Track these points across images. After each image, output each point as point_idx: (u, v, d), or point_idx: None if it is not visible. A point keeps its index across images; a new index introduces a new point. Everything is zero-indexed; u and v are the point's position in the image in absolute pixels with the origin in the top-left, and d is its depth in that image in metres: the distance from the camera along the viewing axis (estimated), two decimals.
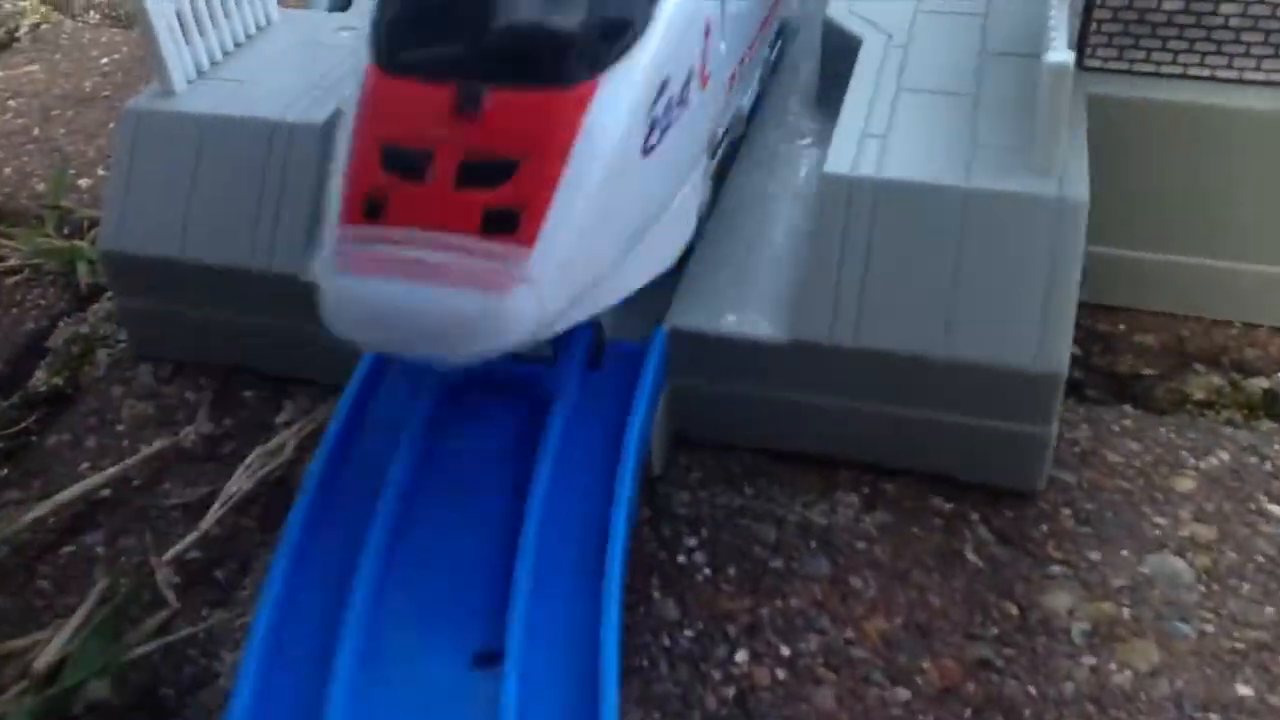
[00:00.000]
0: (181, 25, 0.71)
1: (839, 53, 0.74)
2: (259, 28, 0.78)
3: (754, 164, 0.73)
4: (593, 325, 0.62)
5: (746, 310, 0.62)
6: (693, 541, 0.60)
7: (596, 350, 0.62)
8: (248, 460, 0.65)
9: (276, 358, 0.71)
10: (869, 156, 0.60)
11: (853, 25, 0.73)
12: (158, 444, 0.67)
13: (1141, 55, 0.66)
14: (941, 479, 0.62)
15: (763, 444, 0.64)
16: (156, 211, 0.69)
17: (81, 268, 0.82)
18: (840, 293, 0.59)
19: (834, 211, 0.59)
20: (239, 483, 0.64)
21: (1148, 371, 0.70)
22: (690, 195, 0.57)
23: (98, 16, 1.24)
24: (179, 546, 0.61)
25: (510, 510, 0.54)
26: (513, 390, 0.60)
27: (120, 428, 0.69)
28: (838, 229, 0.59)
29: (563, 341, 0.60)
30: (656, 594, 0.58)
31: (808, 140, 0.76)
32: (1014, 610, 0.56)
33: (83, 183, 0.94)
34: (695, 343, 0.61)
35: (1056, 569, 0.58)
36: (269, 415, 0.70)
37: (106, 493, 0.64)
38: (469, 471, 0.57)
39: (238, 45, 0.76)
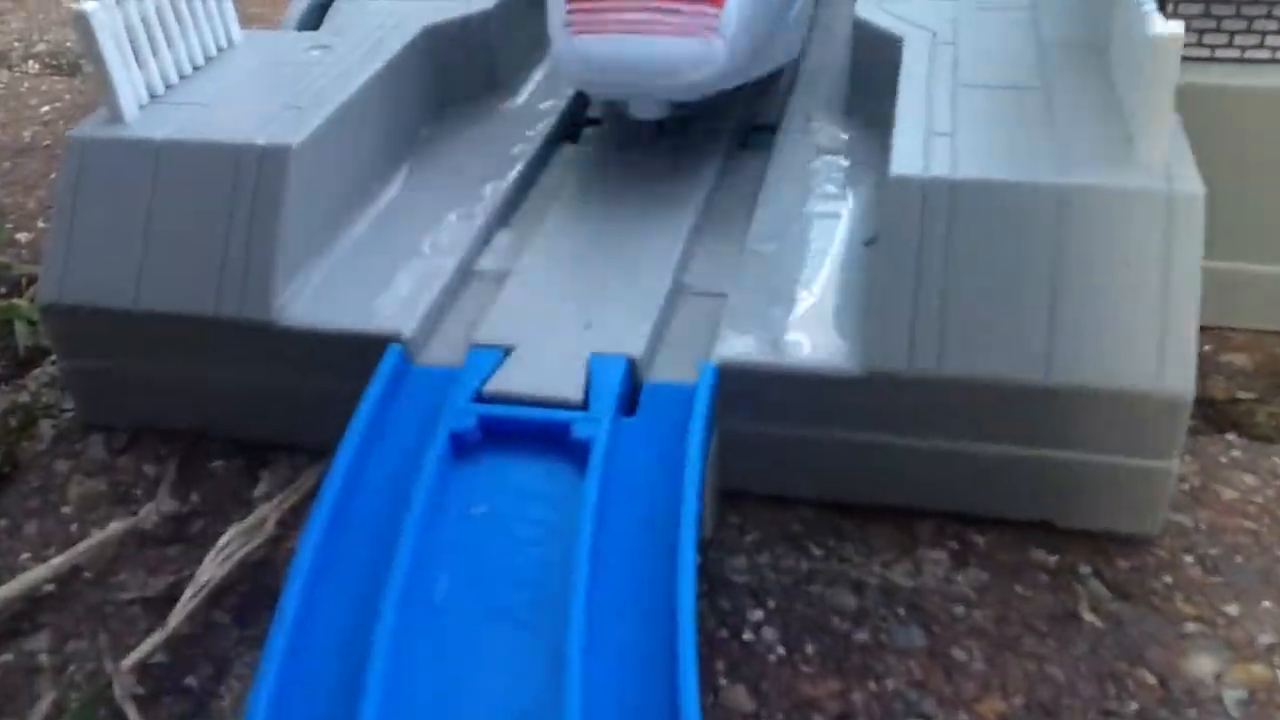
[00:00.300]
0: (132, 44, 0.62)
1: (872, 56, 0.67)
2: (219, 49, 0.69)
3: (787, 182, 0.65)
4: (626, 362, 0.53)
5: (807, 339, 0.53)
6: (758, 615, 0.51)
7: (633, 391, 0.53)
8: (221, 542, 0.55)
9: (250, 421, 0.61)
10: (940, 156, 0.52)
11: (889, 24, 0.66)
12: (112, 527, 0.57)
13: (1224, 39, 0.59)
14: (1039, 527, 0.54)
15: (828, 495, 0.55)
16: (106, 256, 0.60)
17: (20, 329, 0.72)
18: (919, 314, 0.50)
19: (905, 219, 0.51)
20: (211, 569, 0.54)
21: (1244, 395, 0.62)
22: (805, 7, 0.74)
23: (38, 66, 1.15)
24: (141, 650, 0.50)
25: (547, 585, 0.45)
26: (538, 441, 0.50)
27: (67, 509, 0.59)
28: (911, 239, 0.51)
29: (593, 383, 0.52)
30: (724, 681, 0.48)
31: (841, 153, 0.68)
32: (1151, 679, 0.47)
33: (21, 237, 0.84)
34: (749, 378, 0.52)
35: (1191, 627, 0.49)
36: (244, 488, 0.60)
37: (51, 587, 0.55)
38: (493, 541, 0.47)
39: (196, 68, 0.67)
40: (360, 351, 0.55)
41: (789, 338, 0.53)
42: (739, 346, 0.53)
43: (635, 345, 0.54)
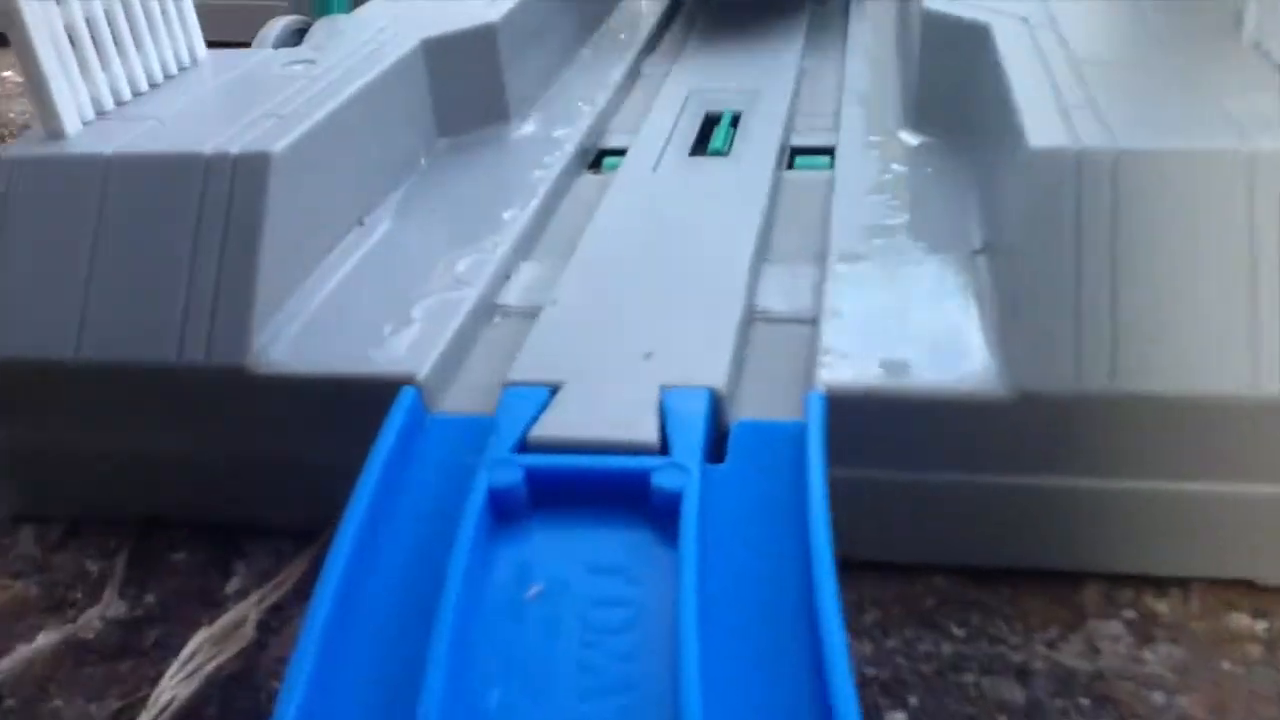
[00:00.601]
0: (75, 50, 0.51)
1: (948, 50, 0.58)
2: (181, 68, 0.59)
3: (859, 197, 0.55)
4: (709, 395, 0.42)
5: (931, 360, 0.42)
6: (899, 717, 0.39)
7: (719, 434, 0.41)
8: (186, 652, 0.44)
9: (220, 500, 0.50)
10: (1088, 126, 0.42)
11: (967, 14, 0.57)
12: (42, 639, 0.45)
13: None
14: (1235, 586, 0.43)
15: (962, 559, 0.44)
16: (40, 298, 0.48)
17: None
18: (1083, 318, 0.40)
19: (1055, 202, 0.41)
20: (173, 688, 0.42)
21: None
22: None
23: None
24: None
25: (643, 687, 0.33)
26: (604, 497, 0.39)
27: None
28: (1065, 226, 0.41)
29: (669, 421, 0.40)
30: None
31: (915, 162, 0.58)
32: None
33: None
34: (866, 410, 0.41)
35: None
36: (213, 584, 0.48)
37: None
38: (558, 631, 0.35)
39: (154, 86, 0.57)
40: (363, 401, 0.43)
41: (909, 360, 0.42)
42: (849, 373, 0.42)
43: (714, 376, 0.43)
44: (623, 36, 0.82)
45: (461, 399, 0.45)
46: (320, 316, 0.48)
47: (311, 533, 0.48)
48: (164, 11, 0.57)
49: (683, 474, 0.38)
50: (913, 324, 0.45)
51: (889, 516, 0.43)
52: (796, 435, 0.40)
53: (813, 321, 0.47)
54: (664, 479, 0.38)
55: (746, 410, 0.43)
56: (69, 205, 0.48)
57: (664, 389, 0.42)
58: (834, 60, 0.76)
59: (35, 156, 0.50)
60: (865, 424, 0.42)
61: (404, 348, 0.46)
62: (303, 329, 0.48)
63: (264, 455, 0.48)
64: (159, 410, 0.48)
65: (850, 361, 0.43)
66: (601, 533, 0.38)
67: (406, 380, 0.44)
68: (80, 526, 0.51)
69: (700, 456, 0.39)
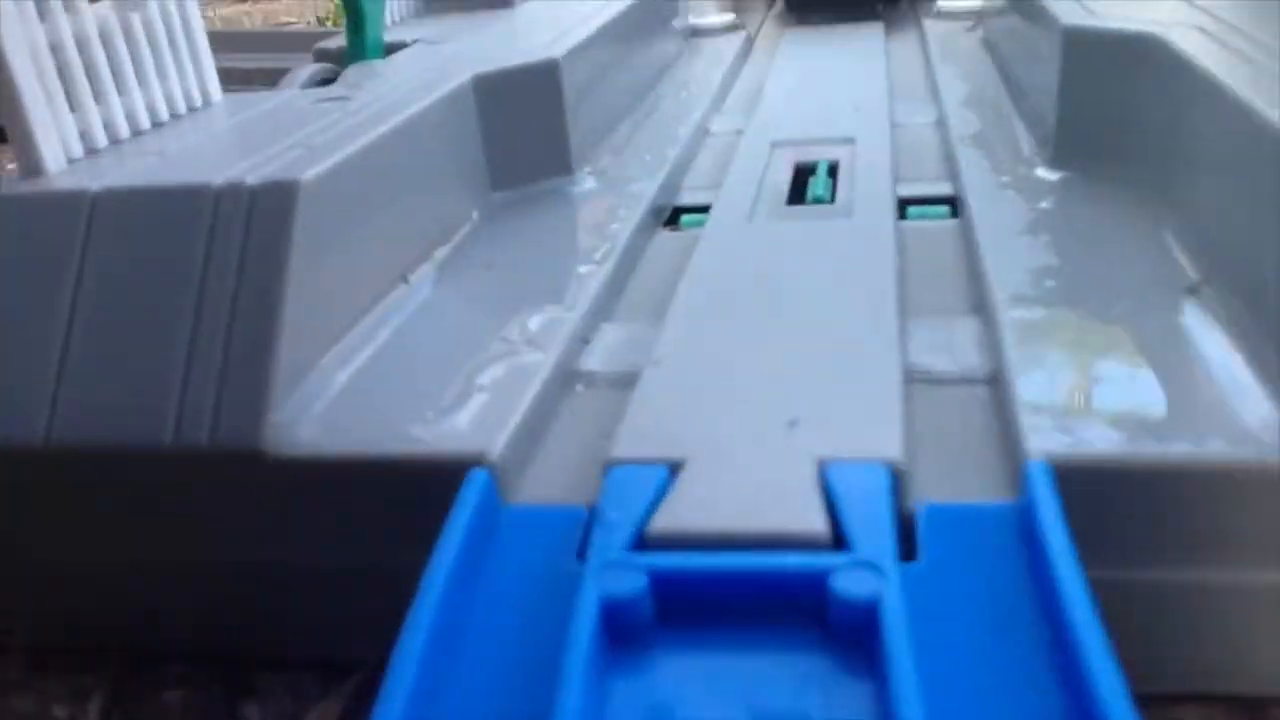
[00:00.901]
0: (62, 77, 0.43)
1: (1104, 71, 0.49)
2: (192, 108, 0.50)
3: (1009, 241, 0.46)
4: (889, 472, 0.31)
5: (1182, 417, 0.32)
6: None
7: (907, 528, 0.31)
8: None
9: (226, 622, 0.39)
10: None
11: (1126, 27, 0.48)
12: None
13: None
14: None
15: (1228, 685, 0.33)
16: (5, 369, 0.38)
17: None
18: None
19: None
20: None
21: None
22: None
23: None
24: None
25: None
26: (760, 610, 0.28)
27: None
28: None
29: (839, 507, 0.30)
30: None
31: (1063, 198, 0.49)
32: None
33: None
34: (1102, 484, 0.31)
35: None
36: None
37: None
38: None
39: (158, 125, 0.48)
40: (416, 490, 0.33)
41: (1155, 420, 0.32)
42: (1074, 438, 0.31)
43: (887, 447, 0.32)
44: (685, 93, 0.74)
45: (545, 484, 0.34)
46: (358, 387, 0.38)
47: (349, 663, 0.37)
48: (171, 39, 0.49)
49: (876, 576, 0.27)
50: (1137, 378, 0.35)
51: (1126, 630, 0.32)
52: (1012, 519, 0.30)
53: (989, 381, 0.37)
54: (850, 583, 0.27)
55: (929, 491, 0.32)
56: (43, 252, 0.39)
57: (824, 464, 0.31)
58: (925, 104, 0.68)
59: (13, 197, 0.40)
60: (1096, 505, 0.31)
61: (468, 422, 0.36)
62: (335, 402, 0.37)
63: (284, 564, 0.37)
64: (149, 508, 0.37)
65: (1069, 425, 0.32)
66: (759, 659, 0.27)
67: (475, 461, 0.33)
68: (49, 657, 0.41)
69: (893, 552, 0.28)
